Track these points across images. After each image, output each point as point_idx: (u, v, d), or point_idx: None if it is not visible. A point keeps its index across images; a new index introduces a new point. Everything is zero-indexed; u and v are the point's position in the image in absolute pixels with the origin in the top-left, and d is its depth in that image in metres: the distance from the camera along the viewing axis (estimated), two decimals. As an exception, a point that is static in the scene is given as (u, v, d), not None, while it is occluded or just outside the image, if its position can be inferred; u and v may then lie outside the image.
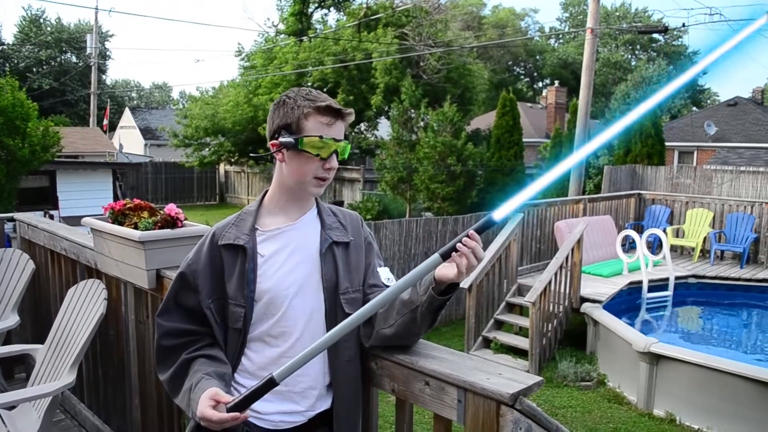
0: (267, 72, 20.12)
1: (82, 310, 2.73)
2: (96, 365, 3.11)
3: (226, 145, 20.46)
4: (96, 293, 2.70)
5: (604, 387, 6.49)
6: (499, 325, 7.74)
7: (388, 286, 1.57)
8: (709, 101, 40.22)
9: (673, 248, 9.74)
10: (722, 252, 9.88)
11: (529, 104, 32.42)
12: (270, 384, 1.29)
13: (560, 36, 46.68)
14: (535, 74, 46.57)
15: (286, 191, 1.56)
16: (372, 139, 20.14)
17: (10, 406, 2.57)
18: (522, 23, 44.76)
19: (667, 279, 8.08)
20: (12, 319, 3.26)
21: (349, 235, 1.61)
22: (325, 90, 17.68)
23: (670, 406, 5.77)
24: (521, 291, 7.81)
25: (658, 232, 8.45)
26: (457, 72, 19.41)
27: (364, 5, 20.32)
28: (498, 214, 1.20)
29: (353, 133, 19.96)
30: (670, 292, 8.07)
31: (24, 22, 36.80)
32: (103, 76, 38.87)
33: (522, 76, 46.55)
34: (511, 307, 7.87)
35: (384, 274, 1.63)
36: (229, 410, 1.32)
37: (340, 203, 18.83)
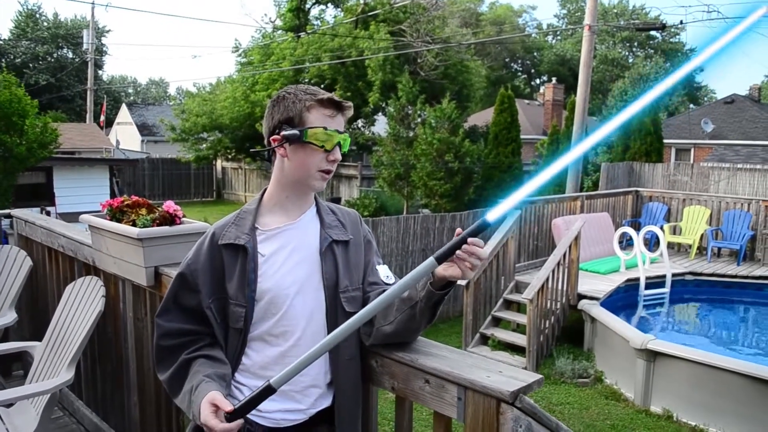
0: (264, 68, 20.07)
1: (80, 307, 2.72)
2: (94, 362, 3.10)
3: (224, 141, 20.43)
4: (94, 290, 2.69)
5: (602, 384, 6.50)
6: (497, 322, 7.75)
7: (387, 284, 1.59)
8: (706, 99, 40.27)
9: (670, 245, 9.75)
10: (719, 249, 9.89)
11: (526, 101, 32.39)
12: (268, 391, 1.28)
13: (558, 33, 46.69)
14: (533, 71, 46.56)
15: (286, 188, 1.55)
16: (369, 135, 20.11)
17: (8, 404, 2.57)
18: (520, 20, 44.74)
19: (664, 276, 8.09)
20: (9, 316, 3.25)
21: (348, 233, 1.61)
22: (322, 86, 17.66)
23: (667, 403, 5.79)
24: (519, 288, 7.82)
25: (656, 229, 8.46)
26: (455, 69, 19.36)
27: (362, 2, 20.27)
28: (492, 215, 1.19)
29: (350, 130, 19.92)
30: (667, 289, 8.08)
31: (20, 18, 36.66)
32: (100, 72, 38.78)
33: (519, 73, 46.55)
34: (508, 304, 7.89)
35: (383, 271, 1.63)
36: (228, 419, 1.33)
37: (338, 200, 18.82)
